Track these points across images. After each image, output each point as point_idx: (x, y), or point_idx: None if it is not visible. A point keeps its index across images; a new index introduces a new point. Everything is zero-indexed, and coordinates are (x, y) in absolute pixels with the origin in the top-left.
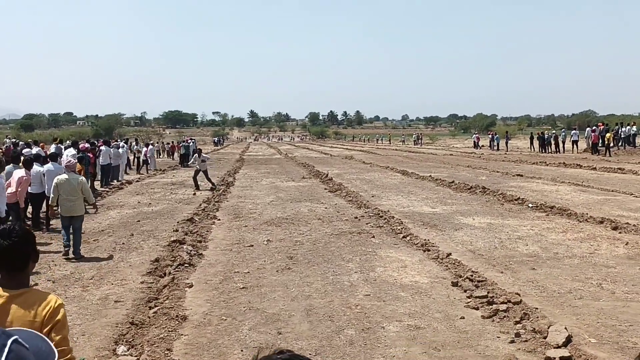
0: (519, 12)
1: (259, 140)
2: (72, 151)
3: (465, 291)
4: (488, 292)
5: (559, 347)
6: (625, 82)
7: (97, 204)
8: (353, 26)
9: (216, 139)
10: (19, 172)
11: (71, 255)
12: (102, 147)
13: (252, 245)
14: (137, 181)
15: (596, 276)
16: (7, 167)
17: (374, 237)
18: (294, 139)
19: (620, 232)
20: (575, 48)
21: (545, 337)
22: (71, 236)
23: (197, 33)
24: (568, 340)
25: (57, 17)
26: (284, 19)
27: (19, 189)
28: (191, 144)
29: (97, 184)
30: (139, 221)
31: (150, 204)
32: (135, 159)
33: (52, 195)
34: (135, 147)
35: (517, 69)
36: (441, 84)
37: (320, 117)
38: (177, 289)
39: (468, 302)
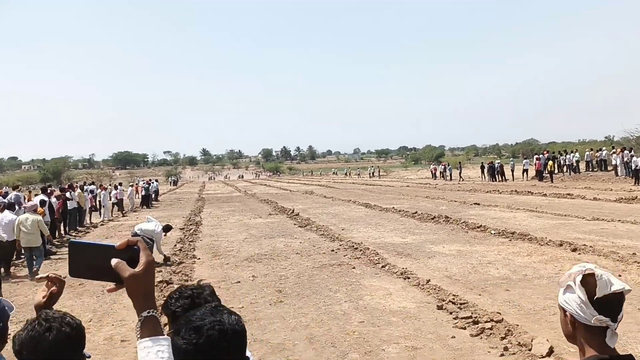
0: (457, 43)
1: (214, 178)
2: (41, 197)
3: (450, 313)
4: (472, 313)
5: (543, 357)
6: (565, 111)
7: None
8: (303, 63)
9: (173, 178)
10: None
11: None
12: (73, 192)
13: (239, 282)
14: (102, 224)
15: None
16: None
17: (354, 268)
18: (259, 175)
19: (579, 254)
20: (514, 79)
21: (530, 350)
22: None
23: (144, 72)
24: (551, 350)
25: None
26: (234, 55)
27: None
28: (154, 184)
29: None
30: None
31: None
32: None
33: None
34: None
35: (460, 100)
36: (390, 116)
37: (274, 153)
38: None
39: (455, 323)
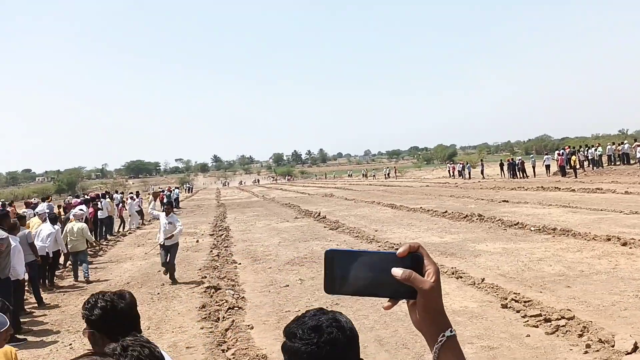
0: (466, 43)
1: (228, 184)
2: (82, 207)
3: (517, 311)
4: (540, 311)
5: (629, 353)
6: (576, 106)
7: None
8: (311, 64)
9: (188, 185)
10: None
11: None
12: (103, 200)
13: (288, 286)
14: (130, 233)
15: (630, 289)
16: None
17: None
18: (277, 179)
19: (630, 248)
20: (525, 75)
21: (613, 346)
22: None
23: (155, 81)
24: (636, 346)
25: (4, 71)
26: (242, 61)
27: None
28: (175, 192)
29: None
30: (159, 271)
31: (159, 254)
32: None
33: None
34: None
35: (472, 98)
36: (400, 116)
37: (285, 157)
38: (240, 331)
39: (526, 321)
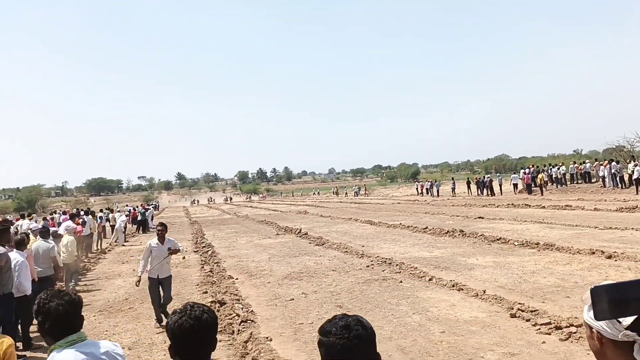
0: (427, 69)
1: (198, 202)
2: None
3: (527, 320)
4: (549, 319)
5: None
6: (533, 127)
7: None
8: (276, 82)
9: (154, 203)
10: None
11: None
12: (85, 218)
13: (293, 299)
14: (109, 250)
15: None
16: None
17: (401, 282)
18: (250, 197)
19: (616, 260)
20: (483, 98)
21: None
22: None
23: (117, 96)
24: None
25: None
26: (206, 78)
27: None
28: (151, 210)
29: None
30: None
31: (146, 270)
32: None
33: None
34: (111, 215)
35: (433, 119)
36: (364, 135)
37: (250, 175)
38: (260, 342)
39: (538, 329)
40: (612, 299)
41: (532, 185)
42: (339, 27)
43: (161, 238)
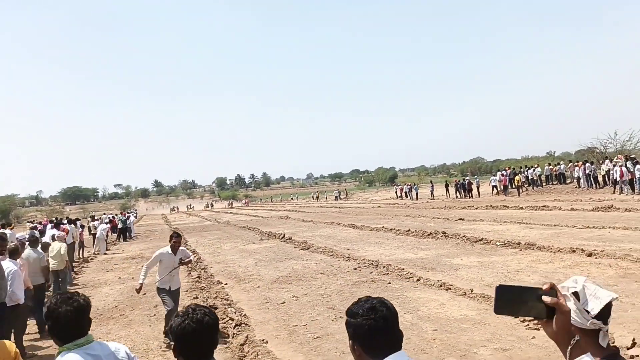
0: (404, 73)
1: (177, 209)
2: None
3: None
4: None
5: (629, 348)
6: (507, 130)
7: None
8: (253, 87)
9: (134, 212)
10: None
11: None
12: (68, 226)
13: (284, 302)
14: (92, 259)
15: None
16: None
17: (390, 283)
18: (232, 203)
19: (596, 258)
20: (458, 102)
21: (613, 343)
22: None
23: (92, 103)
24: (634, 342)
25: None
26: (182, 85)
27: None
28: (132, 217)
29: None
30: (144, 294)
31: (133, 278)
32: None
33: None
34: (92, 223)
35: (409, 123)
36: (340, 140)
37: (228, 181)
38: (256, 345)
39: (527, 325)
40: (508, 298)
41: (510, 187)
42: (313, 29)
43: (175, 249)
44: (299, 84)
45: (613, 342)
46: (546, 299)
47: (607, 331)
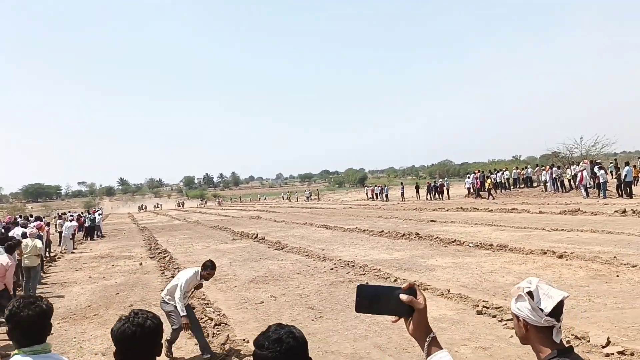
0: (375, 78)
1: (146, 208)
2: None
3: (493, 317)
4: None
5: (604, 347)
6: (474, 133)
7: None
8: (221, 85)
9: (100, 211)
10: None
11: None
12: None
13: (262, 302)
14: (59, 258)
15: (581, 295)
16: None
17: (367, 283)
18: (205, 202)
19: (567, 260)
20: (427, 105)
21: (589, 341)
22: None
23: (55, 98)
24: (608, 341)
25: None
26: (149, 81)
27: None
28: (98, 216)
29: None
30: (118, 293)
31: (104, 277)
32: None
33: None
34: (58, 221)
35: (378, 125)
36: (310, 141)
37: (196, 180)
38: (237, 345)
39: (505, 324)
40: (367, 297)
41: (481, 190)
42: (287, 33)
43: (207, 279)
44: (268, 83)
45: (588, 340)
46: (403, 297)
47: (560, 328)
